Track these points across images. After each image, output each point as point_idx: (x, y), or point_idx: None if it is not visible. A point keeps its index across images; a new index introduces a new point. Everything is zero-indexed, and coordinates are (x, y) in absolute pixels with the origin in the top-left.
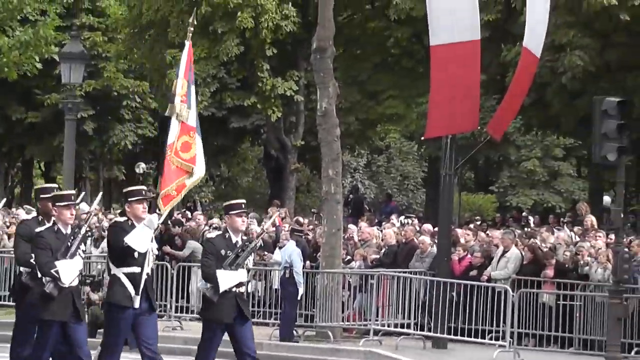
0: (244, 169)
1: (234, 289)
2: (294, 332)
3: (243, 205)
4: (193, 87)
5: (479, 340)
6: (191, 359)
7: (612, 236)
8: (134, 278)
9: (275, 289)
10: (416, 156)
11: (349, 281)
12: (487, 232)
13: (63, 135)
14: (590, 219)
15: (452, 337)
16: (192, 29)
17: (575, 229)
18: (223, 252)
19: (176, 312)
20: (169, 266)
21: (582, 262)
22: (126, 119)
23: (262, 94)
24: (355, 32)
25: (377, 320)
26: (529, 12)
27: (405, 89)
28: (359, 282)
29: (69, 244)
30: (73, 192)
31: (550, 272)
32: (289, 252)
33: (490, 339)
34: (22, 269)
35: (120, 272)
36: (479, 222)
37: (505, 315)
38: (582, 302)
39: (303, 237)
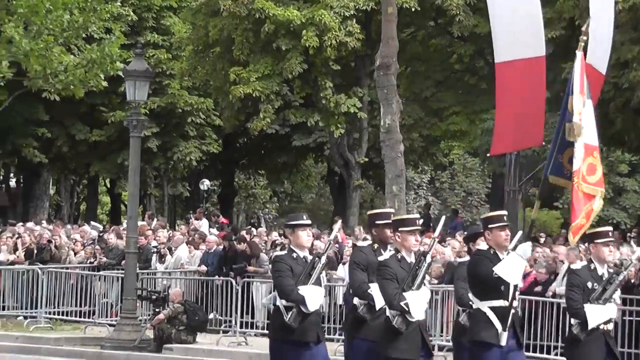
0: (307, 186)
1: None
2: None
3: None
4: (590, 102)
5: (545, 355)
6: None
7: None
8: (501, 312)
9: (340, 305)
10: (480, 172)
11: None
12: (552, 247)
13: (128, 152)
14: None
15: None
16: (584, 37)
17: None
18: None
19: (241, 327)
20: (233, 282)
21: None
22: (190, 135)
23: (326, 111)
24: (418, 48)
25: (441, 336)
26: (593, 28)
27: (468, 105)
28: None
29: (415, 273)
30: (417, 216)
31: None
32: None
33: (556, 354)
34: (356, 300)
35: (485, 307)
36: (543, 239)
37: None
38: None
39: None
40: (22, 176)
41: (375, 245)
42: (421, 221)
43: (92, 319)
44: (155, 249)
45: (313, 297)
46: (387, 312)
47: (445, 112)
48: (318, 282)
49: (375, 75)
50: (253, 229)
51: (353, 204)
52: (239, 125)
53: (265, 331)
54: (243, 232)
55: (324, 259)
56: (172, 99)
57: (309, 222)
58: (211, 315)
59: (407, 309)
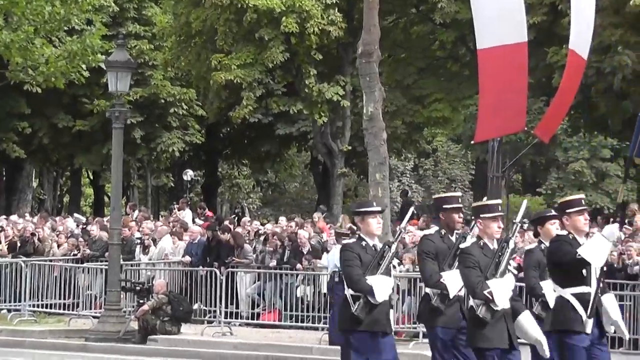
0: (291, 175)
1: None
2: None
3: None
4: None
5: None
6: None
7: None
8: (584, 299)
9: (324, 294)
10: (463, 159)
11: (397, 284)
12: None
13: (111, 144)
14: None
15: None
16: None
17: (624, 229)
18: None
19: (225, 317)
20: (217, 272)
21: (630, 261)
22: (173, 126)
23: (309, 100)
24: (400, 36)
25: None
26: (575, 13)
27: (451, 92)
28: (408, 285)
29: (498, 260)
30: (499, 201)
31: None
32: (336, 257)
33: None
34: (428, 290)
35: (568, 294)
36: (526, 224)
37: None
38: (632, 302)
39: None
40: (4, 169)
41: (443, 231)
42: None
43: (76, 311)
44: (138, 240)
45: (381, 287)
46: (471, 302)
47: (427, 99)
48: (387, 272)
49: (358, 63)
50: (245, 218)
51: (337, 193)
52: (222, 114)
53: (250, 321)
54: (226, 222)
55: (394, 247)
56: (154, 89)
57: (379, 208)
58: (195, 306)
59: (491, 298)
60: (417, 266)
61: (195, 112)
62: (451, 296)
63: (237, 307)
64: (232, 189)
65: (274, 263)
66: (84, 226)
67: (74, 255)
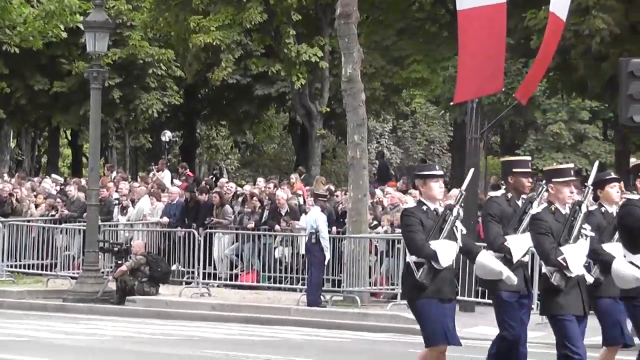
0: (269, 136)
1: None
2: (322, 297)
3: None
4: None
5: None
6: (220, 324)
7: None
8: None
9: (302, 255)
10: (442, 121)
11: (375, 246)
12: None
13: (89, 104)
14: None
15: (479, 300)
16: None
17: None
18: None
19: (204, 278)
20: (195, 233)
21: None
22: (152, 87)
23: (287, 61)
24: None
25: None
26: None
27: (429, 54)
28: (386, 246)
29: (570, 225)
30: (571, 166)
31: None
32: (314, 218)
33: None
34: (545, 269)
35: (638, 260)
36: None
37: (532, 277)
38: None
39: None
40: None
41: (510, 195)
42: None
43: (54, 271)
44: (117, 201)
45: (445, 252)
46: (545, 269)
47: (406, 61)
48: (450, 236)
49: (336, 24)
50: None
51: (315, 154)
52: (200, 75)
53: (228, 282)
54: (204, 183)
55: (455, 210)
56: (132, 50)
57: (441, 172)
58: (174, 267)
59: (565, 264)
60: (395, 227)
61: (173, 73)
62: (514, 261)
63: (215, 269)
64: (211, 150)
65: (252, 224)
66: (62, 187)
67: (52, 215)
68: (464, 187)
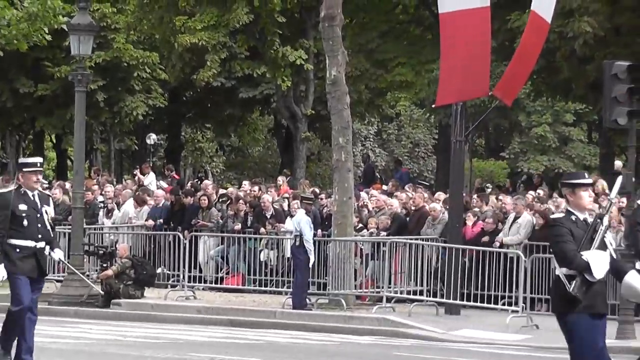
0: (254, 139)
1: None
2: (307, 300)
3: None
4: None
5: (492, 306)
6: (205, 327)
7: (624, 200)
8: None
9: (288, 258)
10: (427, 123)
11: (361, 249)
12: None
13: (74, 107)
14: (602, 184)
15: (465, 303)
16: None
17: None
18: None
19: (189, 281)
20: (181, 236)
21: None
22: (136, 90)
23: (273, 62)
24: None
25: (389, 288)
26: None
27: (414, 56)
28: (371, 249)
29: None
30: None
31: None
32: (299, 221)
33: (504, 304)
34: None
35: None
36: (490, 189)
37: (517, 280)
38: None
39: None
40: None
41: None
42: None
43: None
44: (102, 204)
45: (599, 263)
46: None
47: (391, 64)
48: (602, 247)
49: (321, 26)
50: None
51: (300, 157)
52: (185, 77)
53: (213, 285)
54: (189, 186)
55: (606, 220)
56: (117, 53)
57: (590, 181)
58: (159, 270)
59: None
60: (380, 230)
61: (158, 75)
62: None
63: (200, 272)
64: (196, 152)
65: (238, 227)
66: (47, 189)
67: None
68: (613, 194)
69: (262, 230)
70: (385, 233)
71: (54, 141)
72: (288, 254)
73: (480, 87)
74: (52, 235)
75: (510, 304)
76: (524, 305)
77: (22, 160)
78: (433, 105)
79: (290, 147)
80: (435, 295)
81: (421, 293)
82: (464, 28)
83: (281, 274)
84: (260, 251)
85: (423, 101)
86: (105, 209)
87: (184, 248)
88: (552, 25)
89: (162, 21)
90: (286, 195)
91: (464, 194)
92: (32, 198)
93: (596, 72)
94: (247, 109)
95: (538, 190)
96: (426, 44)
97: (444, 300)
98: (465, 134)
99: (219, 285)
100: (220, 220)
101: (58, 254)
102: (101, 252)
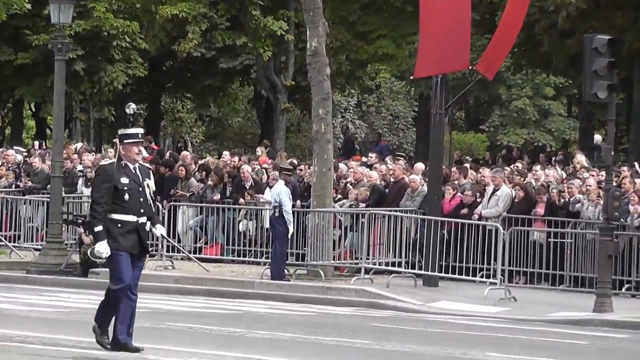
0: (234, 109)
1: None
2: (285, 270)
3: None
4: None
5: (470, 278)
6: (184, 297)
7: (603, 174)
8: None
9: (266, 229)
10: (407, 95)
11: (339, 220)
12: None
13: (53, 76)
14: (579, 159)
15: (443, 275)
16: None
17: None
18: None
19: (167, 251)
20: (159, 206)
21: (572, 199)
22: (116, 59)
23: (254, 33)
24: None
25: (368, 259)
26: None
27: (394, 29)
28: (350, 221)
29: None
30: None
31: (541, 210)
32: (278, 191)
33: (482, 276)
34: None
35: None
36: (468, 162)
37: (496, 253)
38: (573, 240)
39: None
40: None
41: None
42: None
43: (18, 243)
44: (81, 173)
45: None
46: None
47: (371, 35)
48: None
49: None
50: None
51: (280, 128)
52: (165, 47)
53: (192, 255)
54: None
55: None
56: (97, 22)
57: None
58: None
59: None
60: (360, 202)
61: (138, 45)
62: None
63: (178, 241)
64: (175, 122)
65: (217, 197)
66: (26, 157)
67: (16, 186)
68: None
69: (241, 200)
70: (364, 204)
71: (33, 110)
72: (267, 224)
73: (460, 60)
74: (153, 210)
75: (488, 277)
76: (502, 277)
77: (122, 131)
78: (412, 77)
79: (270, 118)
80: (413, 267)
81: (399, 265)
82: (444, 0)
83: (260, 244)
84: (239, 222)
85: (403, 73)
86: (85, 178)
87: (163, 218)
88: None
89: None
90: (265, 165)
91: (443, 167)
92: (133, 171)
93: (576, 45)
94: (227, 79)
95: (517, 163)
96: (407, 17)
97: (422, 272)
98: (445, 106)
99: (197, 255)
100: (197, 189)
101: (160, 230)
102: (80, 220)
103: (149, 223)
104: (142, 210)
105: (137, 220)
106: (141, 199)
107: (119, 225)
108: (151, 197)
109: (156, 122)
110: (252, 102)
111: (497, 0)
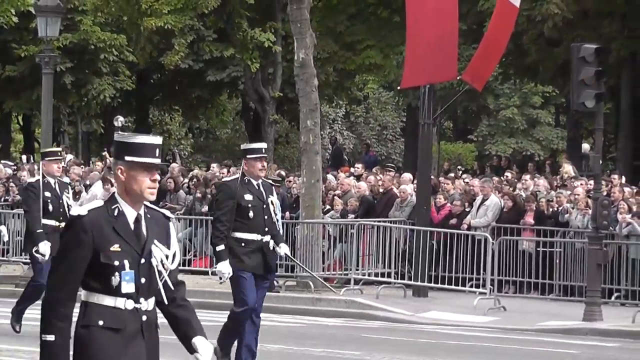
0: (222, 121)
1: None
2: (275, 282)
3: None
4: None
5: (460, 288)
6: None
7: (592, 183)
8: None
9: None
10: (395, 106)
11: (328, 231)
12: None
13: (41, 89)
14: (566, 169)
15: (432, 285)
16: None
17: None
18: None
19: None
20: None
21: (561, 209)
22: (104, 72)
23: (241, 45)
24: None
25: (357, 270)
26: None
27: (382, 39)
28: (339, 232)
29: None
30: None
31: (529, 219)
32: None
33: (471, 286)
34: None
35: None
36: (461, 172)
37: (485, 262)
38: (562, 249)
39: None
40: None
41: None
42: None
43: (7, 257)
44: (69, 186)
45: None
46: None
47: (359, 46)
48: None
49: (289, 9)
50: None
51: (268, 139)
52: (153, 60)
53: (181, 267)
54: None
55: None
56: (84, 35)
57: None
58: None
59: None
60: (348, 213)
61: (126, 57)
62: None
63: None
64: (164, 135)
65: (205, 209)
66: (15, 172)
67: (5, 200)
68: None
69: None
70: (353, 215)
71: (21, 123)
72: None
73: (448, 70)
74: (277, 229)
75: (477, 286)
76: (491, 287)
77: (245, 145)
78: (399, 87)
79: (258, 129)
80: (403, 278)
81: (389, 275)
82: (430, 9)
83: None
84: None
85: (391, 84)
86: (73, 191)
87: None
88: (520, 8)
89: (129, 2)
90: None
91: (432, 177)
92: (257, 187)
93: (564, 55)
94: (215, 91)
95: (506, 173)
96: (394, 27)
97: (411, 282)
98: (433, 116)
99: (186, 268)
100: (184, 202)
101: (284, 249)
102: None
103: (272, 242)
104: (266, 229)
105: (262, 239)
106: (265, 217)
107: (243, 244)
108: (275, 214)
109: (144, 135)
110: (240, 114)
111: (485, 10)
